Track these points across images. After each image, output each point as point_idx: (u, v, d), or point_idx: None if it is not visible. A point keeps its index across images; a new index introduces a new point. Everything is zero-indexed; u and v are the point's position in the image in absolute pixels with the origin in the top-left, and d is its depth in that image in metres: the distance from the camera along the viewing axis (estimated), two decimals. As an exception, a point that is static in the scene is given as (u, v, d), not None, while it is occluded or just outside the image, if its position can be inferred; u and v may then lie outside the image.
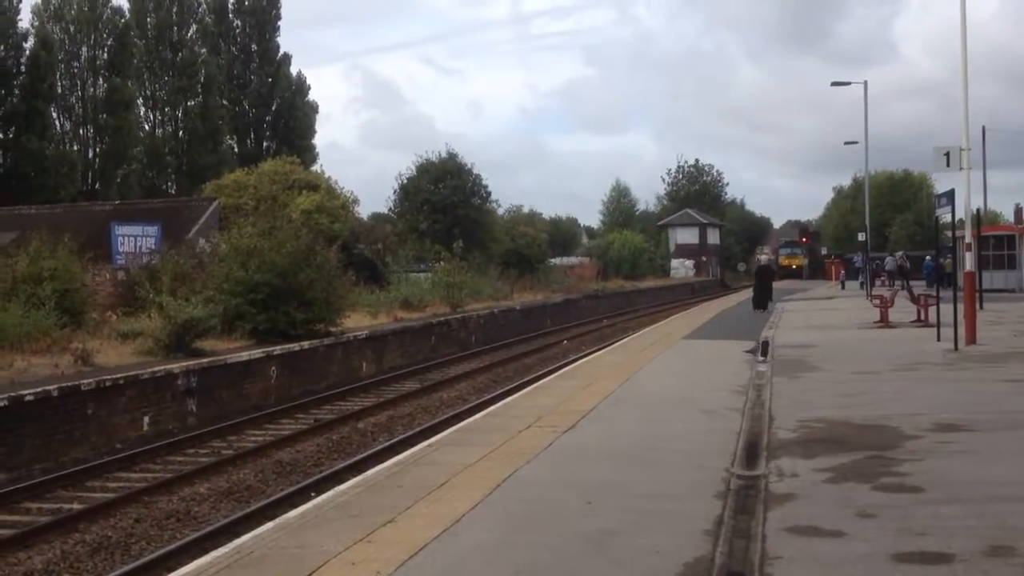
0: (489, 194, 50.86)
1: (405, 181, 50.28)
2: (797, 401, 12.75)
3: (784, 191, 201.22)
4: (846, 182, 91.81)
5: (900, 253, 53.88)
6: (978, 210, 34.59)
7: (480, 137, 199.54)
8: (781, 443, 9.97)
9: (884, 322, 25.59)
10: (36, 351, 17.44)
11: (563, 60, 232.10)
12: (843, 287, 54.70)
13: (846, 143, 52.16)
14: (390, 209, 51.94)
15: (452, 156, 50.05)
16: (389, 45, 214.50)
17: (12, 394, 13.71)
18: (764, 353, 19.47)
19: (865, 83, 43.64)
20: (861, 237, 49.24)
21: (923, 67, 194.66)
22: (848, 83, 44.31)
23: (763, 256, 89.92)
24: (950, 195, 19.60)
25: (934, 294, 23.45)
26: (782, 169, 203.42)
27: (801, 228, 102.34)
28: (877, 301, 27.68)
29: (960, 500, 7.46)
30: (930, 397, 12.87)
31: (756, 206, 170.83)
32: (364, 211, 54.14)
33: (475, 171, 50.04)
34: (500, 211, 54.25)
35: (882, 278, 50.39)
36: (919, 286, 39.62)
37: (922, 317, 25.44)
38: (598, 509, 7.59)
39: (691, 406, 12.81)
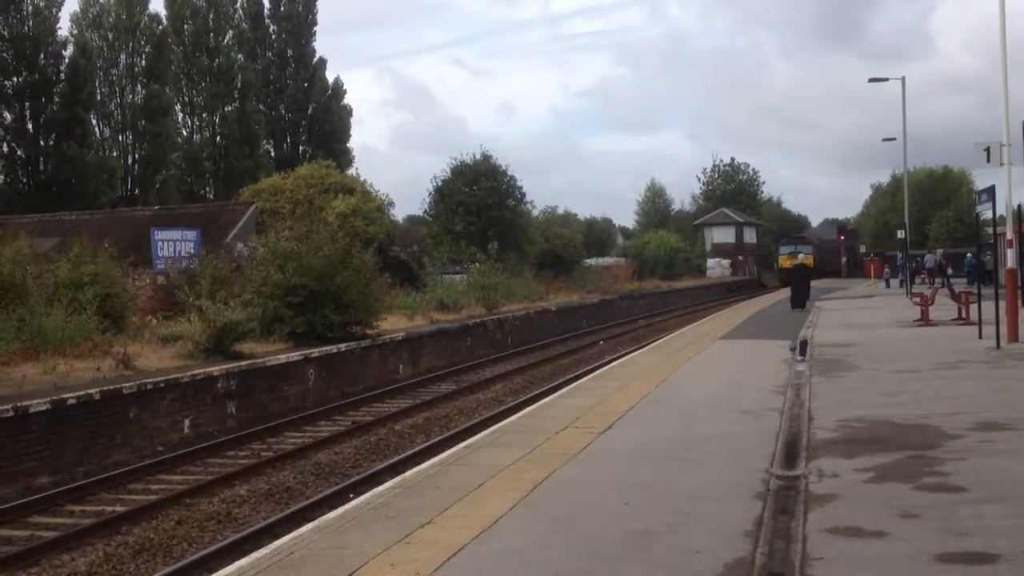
0: (524, 195, 50.88)
1: (440, 183, 50.38)
2: (836, 400, 12.63)
3: (822, 189, 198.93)
4: (885, 179, 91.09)
5: (939, 251, 53.17)
6: (1019, 206, 33.99)
7: (513, 138, 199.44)
8: (821, 443, 9.89)
9: (925, 320, 25.35)
10: (78, 355, 17.65)
11: (595, 60, 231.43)
12: (888, 285, 53.95)
13: (884, 140, 51.54)
14: (425, 211, 52.07)
15: (486, 158, 50.11)
16: (420, 47, 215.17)
17: (55, 398, 13.90)
18: (803, 352, 19.31)
19: (903, 79, 43.18)
20: (900, 235, 48.65)
21: (961, 62, 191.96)
22: (886, 79, 43.77)
23: (801, 255, 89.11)
24: (991, 191, 19.36)
25: (975, 291, 23.16)
26: (819, 167, 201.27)
27: (839, 226, 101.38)
28: (917, 299, 27.39)
29: (1004, 500, 7.36)
30: (972, 396, 12.72)
31: (793, 204, 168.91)
32: (398, 214, 54.40)
33: (509, 173, 50.14)
34: (535, 212, 54.23)
35: (922, 276, 49.82)
36: (960, 283, 39.08)
37: (963, 315, 25.15)
38: (636, 510, 7.57)
39: (729, 406, 12.73)
